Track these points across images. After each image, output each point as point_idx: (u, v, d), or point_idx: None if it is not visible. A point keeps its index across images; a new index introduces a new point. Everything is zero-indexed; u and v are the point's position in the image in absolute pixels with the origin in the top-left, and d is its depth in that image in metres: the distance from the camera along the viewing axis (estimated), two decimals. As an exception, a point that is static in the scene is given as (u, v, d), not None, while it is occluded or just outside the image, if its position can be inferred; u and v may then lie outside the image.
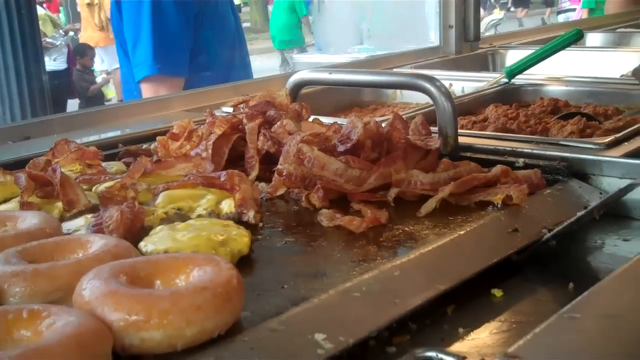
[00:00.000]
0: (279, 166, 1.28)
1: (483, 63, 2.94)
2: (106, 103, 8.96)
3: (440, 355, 0.75)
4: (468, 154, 1.41)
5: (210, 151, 1.38)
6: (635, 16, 4.07)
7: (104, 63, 9.96)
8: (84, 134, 1.75)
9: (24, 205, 1.18)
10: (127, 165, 1.42)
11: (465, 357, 0.76)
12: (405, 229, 1.12)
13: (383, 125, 1.38)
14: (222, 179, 1.21)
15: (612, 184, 1.28)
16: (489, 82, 2.23)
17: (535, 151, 1.38)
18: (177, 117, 1.63)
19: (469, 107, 2.02)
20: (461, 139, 1.43)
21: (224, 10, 2.77)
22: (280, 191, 1.29)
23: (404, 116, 1.47)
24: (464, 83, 2.30)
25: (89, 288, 0.79)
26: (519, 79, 2.22)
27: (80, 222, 1.13)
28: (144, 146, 1.59)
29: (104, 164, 1.43)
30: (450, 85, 2.20)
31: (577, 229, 1.12)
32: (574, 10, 13.92)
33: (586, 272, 1.10)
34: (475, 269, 0.99)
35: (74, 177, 1.28)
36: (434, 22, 3.08)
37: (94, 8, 10.19)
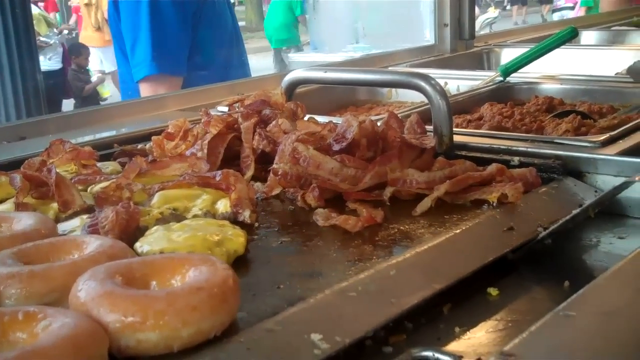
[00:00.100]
0: (274, 165, 1.28)
1: (478, 61, 2.94)
2: (102, 103, 8.94)
3: (436, 355, 0.76)
4: (463, 153, 1.41)
5: (205, 151, 1.37)
6: (629, 14, 4.07)
7: (102, 63, 9.94)
8: (79, 134, 1.75)
9: (19, 206, 1.18)
10: (123, 165, 1.42)
11: (461, 357, 0.76)
12: (401, 228, 1.12)
13: (378, 124, 1.38)
14: (218, 178, 1.20)
15: (607, 182, 1.28)
16: (484, 80, 2.23)
17: (530, 149, 1.38)
18: (173, 117, 1.63)
19: (464, 106, 2.02)
20: (456, 138, 1.43)
21: (222, 9, 2.78)
22: (276, 191, 1.29)
23: (399, 115, 1.47)
24: (459, 81, 2.30)
25: (85, 289, 0.79)
26: (514, 77, 2.22)
27: (75, 222, 1.13)
28: (139, 146, 1.59)
29: (99, 164, 1.42)
30: (446, 83, 2.20)
31: (573, 227, 1.12)
32: (570, 8, 13.93)
33: (582, 271, 1.11)
34: (471, 267, 1.00)
35: (69, 178, 1.28)
36: (429, 21, 3.08)
37: (91, 8, 10.19)
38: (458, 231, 1.08)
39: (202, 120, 1.47)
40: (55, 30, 9.13)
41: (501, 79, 2.21)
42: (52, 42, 8.81)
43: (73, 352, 0.68)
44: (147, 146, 1.55)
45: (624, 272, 0.88)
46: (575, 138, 1.48)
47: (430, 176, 1.24)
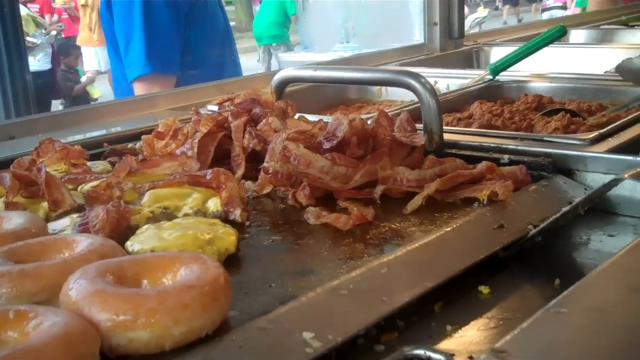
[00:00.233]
0: (265, 164, 1.28)
1: (467, 60, 2.95)
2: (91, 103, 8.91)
3: (428, 353, 0.76)
4: (453, 151, 1.41)
5: (195, 149, 1.37)
6: (618, 13, 4.09)
7: (100, 63, 9.90)
8: (69, 133, 1.74)
9: (9, 205, 1.17)
10: (113, 164, 1.41)
11: (453, 355, 0.76)
12: (392, 226, 1.12)
13: (369, 122, 1.38)
14: (208, 177, 1.20)
15: (596, 179, 1.28)
16: (473, 79, 2.23)
17: (520, 147, 1.39)
18: (163, 116, 1.62)
19: (454, 104, 2.02)
20: (446, 136, 1.44)
21: (214, 9, 2.78)
22: (267, 189, 1.29)
23: (389, 113, 1.48)
24: (449, 80, 2.30)
25: (76, 288, 0.78)
26: (503, 76, 2.23)
27: (66, 221, 1.12)
28: (130, 145, 1.58)
29: (89, 163, 1.42)
30: (435, 82, 2.21)
31: (563, 225, 1.13)
32: (559, 7, 13.97)
33: (572, 268, 1.11)
34: (462, 265, 1.00)
35: (59, 177, 1.27)
36: (419, 20, 3.09)
37: (87, 9, 10.16)
38: (449, 229, 1.08)
39: (192, 119, 1.47)
40: (42, 30, 9.09)
41: (491, 77, 2.22)
42: (39, 42, 8.76)
43: (64, 350, 0.68)
44: (137, 145, 1.54)
45: (614, 269, 0.89)
46: (564, 136, 1.49)
47: (421, 174, 1.24)
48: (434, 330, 0.88)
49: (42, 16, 10.50)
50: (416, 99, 1.45)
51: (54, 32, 9.45)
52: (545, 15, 13.96)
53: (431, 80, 1.50)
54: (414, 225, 1.12)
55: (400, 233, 1.10)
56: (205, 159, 1.38)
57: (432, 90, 1.42)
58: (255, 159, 1.38)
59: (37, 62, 8.60)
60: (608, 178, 1.20)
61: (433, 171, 1.25)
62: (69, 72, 9.34)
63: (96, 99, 9.57)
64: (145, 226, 1.05)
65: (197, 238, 0.99)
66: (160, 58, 2.56)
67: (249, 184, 1.31)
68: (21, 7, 8.32)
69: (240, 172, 1.35)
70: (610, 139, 1.42)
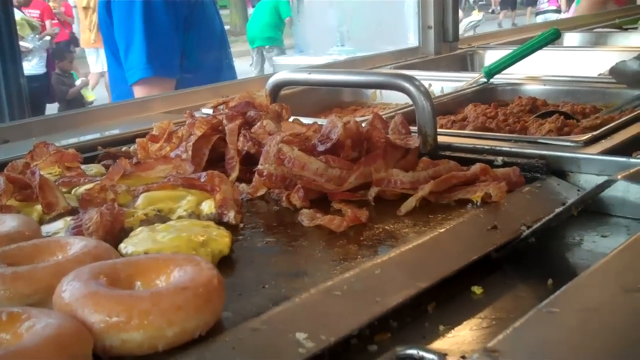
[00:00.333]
0: (259, 167, 1.28)
1: (462, 63, 2.96)
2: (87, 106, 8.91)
3: (421, 353, 0.76)
4: (447, 153, 1.41)
5: (190, 152, 1.37)
6: (612, 16, 4.11)
7: (103, 66, 9.88)
8: (63, 136, 1.74)
9: (3, 209, 1.17)
10: (107, 167, 1.41)
11: (446, 354, 0.77)
12: (386, 227, 1.13)
13: (363, 125, 1.38)
14: (203, 180, 1.20)
15: (589, 181, 1.29)
16: (467, 82, 2.24)
17: (513, 149, 1.39)
18: (157, 119, 1.63)
19: (448, 107, 2.03)
20: (440, 138, 1.44)
21: (211, 13, 2.79)
22: (261, 192, 1.29)
23: (383, 116, 1.48)
24: (443, 83, 2.31)
25: (69, 290, 0.78)
26: (497, 79, 2.23)
27: (59, 224, 1.12)
28: (124, 148, 1.58)
29: (83, 166, 1.42)
30: (430, 85, 2.21)
31: (556, 226, 1.13)
32: (554, 11, 14.01)
33: (565, 269, 1.11)
34: (455, 266, 1.00)
35: (53, 180, 1.27)
36: (413, 24, 3.09)
37: (89, 11, 10.17)
38: (442, 230, 1.09)
39: (187, 123, 1.47)
40: (37, 35, 9.07)
41: (485, 80, 2.22)
42: (31, 46, 8.75)
43: (57, 352, 0.68)
44: (132, 148, 1.55)
45: (606, 270, 0.89)
46: (558, 138, 1.49)
47: (415, 176, 1.24)
48: (427, 330, 0.88)
49: (43, 21, 10.51)
50: (410, 102, 1.45)
51: (47, 38, 9.43)
52: (540, 19, 14.00)
53: (425, 83, 1.51)
54: (408, 226, 1.13)
55: (394, 234, 1.10)
56: (199, 161, 1.38)
57: (427, 93, 1.42)
58: (249, 161, 1.38)
59: (33, 66, 8.58)
60: (601, 179, 1.20)
61: (427, 173, 1.25)
62: (64, 76, 9.33)
63: (91, 102, 9.56)
64: (139, 228, 1.05)
65: (191, 240, 0.99)
66: (160, 61, 2.57)
67: (243, 186, 1.31)
68: (16, 11, 8.33)
69: (234, 174, 1.35)
70: (603, 140, 1.42)
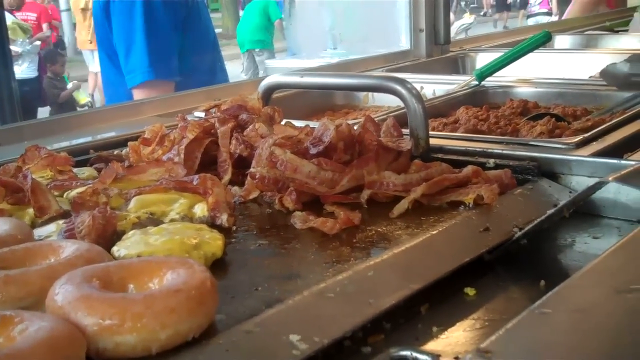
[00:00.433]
0: (251, 169, 1.28)
1: (453, 66, 2.96)
2: (79, 109, 8.89)
3: (414, 354, 0.76)
4: (439, 155, 1.42)
5: (182, 155, 1.37)
6: (602, 19, 4.12)
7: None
8: (55, 140, 1.74)
9: (-5, 212, 1.17)
10: (99, 171, 1.41)
11: (439, 356, 0.77)
12: (378, 229, 1.13)
13: (355, 127, 1.38)
14: (195, 183, 1.20)
15: (581, 182, 1.29)
16: (459, 84, 2.25)
17: (505, 152, 1.40)
18: (149, 123, 1.62)
19: (440, 110, 2.03)
20: (432, 141, 1.44)
21: (205, 16, 2.80)
22: (254, 194, 1.29)
23: (375, 119, 1.48)
24: (435, 86, 2.31)
25: (62, 293, 0.78)
26: (489, 81, 2.24)
27: (51, 228, 1.12)
28: (116, 152, 1.58)
29: (75, 170, 1.42)
30: (422, 88, 2.22)
31: (548, 228, 1.13)
32: (545, 14, 14.06)
33: (557, 270, 1.12)
34: (448, 268, 1.00)
35: (45, 183, 1.27)
36: (405, 26, 3.10)
37: (87, 12, 10.16)
38: (435, 232, 1.09)
39: (179, 126, 1.47)
40: (27, 40, 9.04)
41: (476, 83, 2.23)
42: (21, 50, 8.72)
43: (50, 355, 0.68)
44: (124, 152, 1.54)
45: (598, 271, 0.89)
46: (549, 140, 1.50)
47: (407, 178, 1.24)
48: (421, 331, 0.88)
49: (40, 25, 10.49)
50: (402, 105, 1.45)
51: (37, 42, 9.40)
52: (531, 21, 14.04)
53: (417, 86, 1.51)
54: (401, 228, 1.13)
55: (387, 236, 1.10)
56: (192, 165, 1.38)
57: (418, 96, 1.42)
58: (242, 164, 1.38)
59: (25, 69, 8.56)
60: (592, 181, 1.21)
61: (419, 175, 1.26)
62: (55, 80, 9.30)
63: (83, 105, 9.54)
64: (132, 232, 1.05)
65: (183, 243, 0.99)
66: (162, 64, 2.57)
67: (235, 189, 1.31)
68: (8, 15, 8.31)
69: (227, 177, 1.35)
70: (594, 142, 1.43)
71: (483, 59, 2.77)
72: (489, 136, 1.68)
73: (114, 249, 1.00)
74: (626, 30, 3.77)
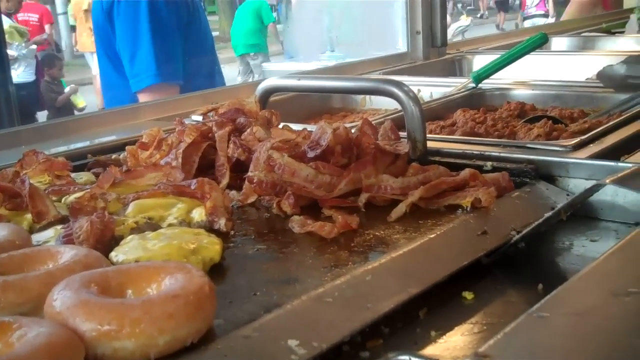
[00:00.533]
0: (249, 173, 1.28)
1: (450, 68, 2.97)
2: (78, 113, 8.87)
3: (413, 359, 0.76)
4: (437, 158, 1.42)
5: (180, 160, 1.37)
6: (599, 21, 4.13)
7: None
8: (53, 144, 1.74)
9: (-7, 218, 1.17)
10: (97, 175, 1.41)
11: (437, 360, 0.77)
12: (376, 233, 1.13)
13: (352, 131, 1.38)
14: (193, 187, 1.20)
15: (578, 185, 1.29)
16: (456, 87, 2.25)
17: (502, 154, 1.40)
18: (147, 127, 1.62)
19: (437, 112, 2.04)
20: (430, 144, 1.44)
21: (205, 20, 2.80)
22: (251, 199, 1.29)
23: (373, 122, 1.48)
24: (432, 88, 2.32)
25: (60, 299, 0.78)
26: (486, 84, 2.24)
27: (50, 233, 1.12)
28: (114, 156, 1.58)
29: (73, 174, 1.42)
30: (419, 90, 2.22)
31: (546, 231, 1.13)
32: (541, 16, 14.06)
33: (555, 273, 1.12)
34: (446, 272, 1.00)
35: (43, 189, 1.27)
36: (402, 29, 3.10)
37: (89, 14, 10.17)
38: (433, 236, 1.09)
39: (177, 130, 1.47)
40: (23, 44, 9.03)
41: (473, 85, 2.23)
42: (16, 54, 8.70)
43: (49, 361, 0.68)
44: (121, 156, 1.54)
45: (596, 274, 0.89)
46: (547, 142, 1.50)
47: (405, 182, 1.25)
48: (419, 336, 0.88)
49: (42, 25, 10.49)
50: (400, 108, 1.45)
51: (33, 46, 9.39)
52: (527, 23, 14.04)
53: (414, 89, 1.51)
54: (398, 232, 1.13)
55: (385, 240, 1.10)
56: (189, 169, 1.38)
57: (416, 99, 1.43)
58: (239, 168, 1.38)
59: (21, 73, 8.55)
60: (590, 184, 1.21)
61: (417, 179, 1.26)
62: (53, 84, 9.29)
63: (82, 109, 9.52)
64: (130, 237, 1.05)
65: (181, 248, 0.99)
66: (167, 68, 2.57)
67: (233, 193, 1.31)
68: (4, 18, 8.31)
69: (224, 181, 1.35)
70: (591, 145, 1.43)
71: (480, 62, 2.78)
72: (487, 139, 1.68)
73: (112, 254, 1.00)
74: (622, 32, 3.78)
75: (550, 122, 1.76)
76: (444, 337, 0.88)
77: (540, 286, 1.00)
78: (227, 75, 3.19)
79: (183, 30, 2.62)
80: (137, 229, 1.10)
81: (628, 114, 1.67)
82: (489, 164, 1.37)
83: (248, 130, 1.44)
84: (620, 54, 2.62)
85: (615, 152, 1.41)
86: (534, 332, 0.74)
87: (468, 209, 1.18)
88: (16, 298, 0.83)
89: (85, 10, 10.43)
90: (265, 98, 1.67)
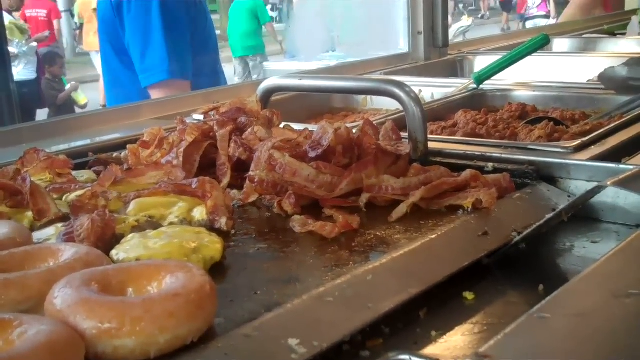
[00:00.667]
0: (250, 173, 1.28)
1: (452, 69, 2.97)
2: (79, 109, 8.88)
3: (413, 358, 0.76)
4: (438, 159, 1.42)
5: (181, 159, 1.37)
6: (600, 22, 4.13)
7: None
8: (54, 142, 1.74)
9: (-6, 215, 1.17)
10: (98, 174, 1.41)
11: (437, 360, 0.77)
12: (377, 233, 1.13)
13: (354, 131, 1.38)
14: (194, 186, 1.20)
15: (579, 187, 1.29)
16: (457, 88, 2.25)
17: (504, 155, 1.40)
18: (148, 125, 1.62)
19: (439, 113, 2.04)
20: (431, 144, 1.44)
21: (210, 19, 2.80)
22: (252, 198, 1.29)
23: (374, 122, 1.48)
24: (433, 89, 2.32)
25: (61, 296, 0.78)
26: (487, 85, 2.24)
27: (50, 231, 1.12)
28: (115, 154, 1.58)
29: (74, 172, 1.42)
30: (420, 91, 2.22)
31: (546, 232, 1.13)
32: (543, 17, 14.07)
33: (556, 274, 1.12)
34: (447, 272, 1.00)
35: (44, 186, 1.27)
36: (403, 29, 3.10)
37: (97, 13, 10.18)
38: (433, 236, 1.09)
39: (178, 129, 1.47)
40: (23, 41, 9.03)
41: (475, 86, 2.23)
42: (17, 51, 8.70)
43: (49, 358, 0.68)
44: (123, 155, 1.54)
45: (596, 275, 0.89)
46: (548, 144, 1.50)
47: (406, 182, 1.25)
48: (419, 336, 0.89)
49: (50, 21, 10.50)
50: (401, 108, 1.45)
51: (34, 44, 9.39)
52: (529, 24, 14.05)
53: (416, 89, 1.51)
54: (399, 232, 1.13)
55: (386, 240, 1.10)
56: (190, 168, 1.38)
57: (417, 99, 1.43)
58: (240, 167, 1.38)
59: (22, 73, 8.55)
60: (591, 185, 1.21)
61: (418, 179, 1.26)
62: (54, 81, 9.30)
63: (84, 106, 9.52)
64: (131, 235, 1.05)
65: (182, 246, 0.99)
66: (179, 63, 2.56)
67: (234, 192, 1.31)
68: (5, 15, 8.30)
69: (225, 181, 1.35)
70: (593, 147, 1.43)
71: (481, 62, 2.78)
72: (488, 140, 1.68)
73: (113, 252, 1.00)
74: (624, 34, 3.78)
75: (551, 123, 1.76)
76: (445, 337, 0.88)
77: (541, 287, 1.00)
78: (227, 74, 3.19)
79: (191, 27, 2.62)
80: (138, 228, 1.10)
81: (629, 116, 1.67)
82: (490, 165, 1.37)
83: (249, 129, 1.44)
84: (621, 56, 2.62)
85: (616, 154, 1.41)
86: (534, 332, 0.74)
87: (469, 209, 1.18)
88: (17, 295, 0.83)
89: (94, 10, 10.46)
90: (266, 98, 1.66)
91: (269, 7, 11.48)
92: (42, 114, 8.78)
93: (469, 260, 1.05)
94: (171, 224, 1.14)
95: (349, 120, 2.12)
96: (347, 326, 0.85)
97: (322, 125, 1.34)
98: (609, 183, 1.11)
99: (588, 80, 2.37)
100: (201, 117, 1.68)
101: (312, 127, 1.53)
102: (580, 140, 1.44)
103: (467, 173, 1.27)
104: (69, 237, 1.05)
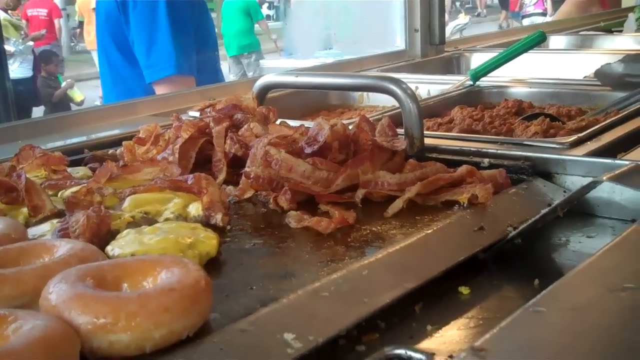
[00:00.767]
0: (246, 169, 1.28)
1: (448, 66, 2.97)
2: (76, 106, 8.88)
3: (409, 353, 0.76)
4: (434, 155, 1.42)
5: (177, 155, 1.37)
6: (597, 19, 4.13)
7: None
8: (49, 139, 1.74)
9: (-11, 212, 1.17)
10: (93, 170, 1.41)
11: (433, 354, 0.77)
12: (373, 229, 1.13)
13: (350, 127, 1.38)
14: (190, 182, 1.20)
15: (575, 182, 1.30)
16: (454, 84, 2.25)
17: (500, 151, 1.40)
18: (144, 122, 1.62)
19: (435, 110, 2.04)
20: (427, 140, 1.44)
21: (211, 17, 2.80)
22: (248, 194, 1.29)
23: (370, 118, 1.48)
24: (430, 86, 2.32)
25: (56, 292, 0.78)
26: (483, 81, 2.24)
27: (46, 227, 1.12)
28: (110, 151, 1.58)
29: (69, 169, 1.42)
30: (416, 88, 2.22)
31: (542, 227, 1.14)
32: (539, 14, 14.08)
33: (551, 269, 1.12)
34: (442, 267, 1.00)
35: (40, 183, 1.27)
36: (400, 27, 3.10)
37: None
38: (429, 231, 1.09)
39: (174, 125, 1.46)
40: (19, 40, 9.02)
41: (471, 83, 2.23)
42: (13, 49, 8.69)
43: (44, 353, 0.68)
44: (118, 151, 1.54)
45: (592, 270, 0.90)
46: (544, 140, 1.50)
47: (402, 178, 1.25)
48: (415, 330, 0.89)
49: (52, 20, 10.50)
50: (397, 105, 1.45)
51: (30, 43, 9.37)
52: (526, 22, 14.05)
53: (412, 86, 1.51)
54: (395, 228, 1.13)
55: (382, 236, 1.10)
56: (186, 164, 1.38)
57: (413, 96, 1.43)
58: (236, 164, 1.38)
59: (18, 70, 8.55)
60: (587, 181, 1.21)
61: (414, 175, 1.26)
62: (49, 79, 9.29)
63: (80, 102, 9.51)
64: (126, 231, 1.05)
65: (178, 242, 0.99)
66: (184, 59, 2.56)
67: (230, 188, 1.31)
68: (1, 12, 8.30)
69: (221, 177, 1.35)
70: (589, 142, 1.43)
71: (478, 59, 2.78)
72: (484, 136, 1.68)
73: (108, 248, 1.00)
74: (621, 31, 3.78)
75: (547, 119, 1.76)
76: (440, 331, 0.88)
77: (536, 282, 1.00)
78: (226, 71, 3.20)
79: (195, 24, 2.62)
80: (134, 224, 1.10)
81: (625, 112, 1.67)
82: (486, 160, 1.37)
83: (245, 126, 1.44)
84: (618, 53, 2.62)
85: (612, 150, 1.41)
86: (530, 326, 0.74)
87: (465, 205, 1.19)
88: (12, 291, 0.83)
89: (93, 9, 10.46)
90: (262, 94, 1.66)
91: (265, 5, 11.42)
92: (38, 112, 8.77)
93: (464, 255, 1.05)
94: (167, 219, 1.13)
95: (346, 117, 2.12)
96: (343, 321, 0.85)
97: (318, 122, 1.34)
98: (604, 178, 1.12)
99: (584, 77, 2.37)
100: (197, 114, 1.68)
101: (308, 123, 1.53)
102: (576, 136, 1.45)
103: (463, 169, 1.27)
104: (64, 233, 1.05)
